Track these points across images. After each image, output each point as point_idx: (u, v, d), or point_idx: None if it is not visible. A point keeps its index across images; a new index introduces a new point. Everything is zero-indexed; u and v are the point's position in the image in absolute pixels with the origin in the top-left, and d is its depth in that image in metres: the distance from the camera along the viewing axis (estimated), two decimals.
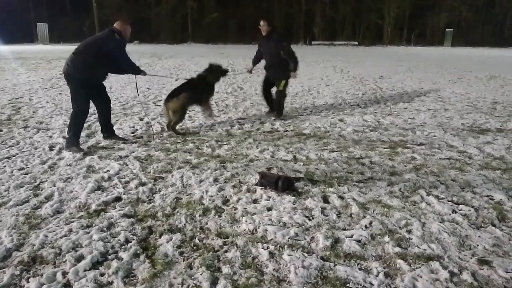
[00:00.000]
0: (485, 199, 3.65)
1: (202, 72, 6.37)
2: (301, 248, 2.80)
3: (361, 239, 2.93)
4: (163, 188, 3.89)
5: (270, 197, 3.66)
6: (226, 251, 2.77)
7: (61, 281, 2.43)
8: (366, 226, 3.13)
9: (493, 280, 2.47)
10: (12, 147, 5.14)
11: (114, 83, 10.87)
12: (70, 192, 3.77)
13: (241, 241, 2.90)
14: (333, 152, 5.09)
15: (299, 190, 3.80)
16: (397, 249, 2.80)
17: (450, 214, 3.33)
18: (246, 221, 3.18)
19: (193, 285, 2.41)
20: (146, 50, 31.28)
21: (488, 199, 3.67)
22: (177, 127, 6.05)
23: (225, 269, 2.56)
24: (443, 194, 3.75)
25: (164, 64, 17.96)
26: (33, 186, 3.88)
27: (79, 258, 2.66)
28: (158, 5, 54.84)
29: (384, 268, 2.59)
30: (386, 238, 2.93)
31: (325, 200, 3.61)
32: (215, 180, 4.08)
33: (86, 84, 5.05)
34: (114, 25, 5.13)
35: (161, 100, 8.82)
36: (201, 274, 2.49)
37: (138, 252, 2.75)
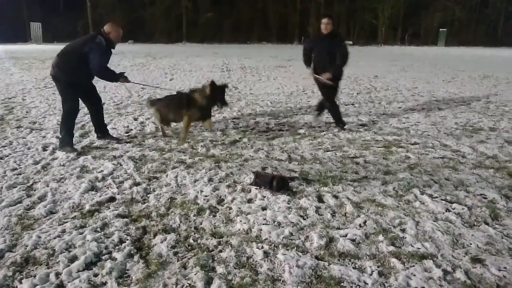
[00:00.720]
0: (478, 198, 3.68)
1: (192, 88, 5.78)
2: (295, 248, 2.80)
3: (355, 238, 2.94)
4: (158, 188, 3.88)
5: (264, 196, 3.66)
6: (220, 251, 2.77)
7: (55, 282, 2.42)
8: (360, 225, 3.14)
9: (486, 278, 2.48)
10: (5, 148, 5.10)
11: (109, 83, 10.80)
12: (64, 192, 3.75)
13: (236, 240, 2.89)
14: (327, 151, 5.10)
15: (293, 190, 3.81)
16: (391, 248, 2.81)
17: (443, 213, 3.35)
18: (240, 221, 3.18)
19: (187, 285, 2.40)
20: (140, 49, 31.17)
21: (481, 197, 3.70)
22: (167, 129, 5.87)
23: (220, 269, 2.56)
24: (437, 193, 3.77)
25: (159, 64, 17.90)
26: (26, 187, 3.86)
27: (73, 259, 2.64)
28: (152, 4, 54.63)
29: (378, 267, 2.60)
30: (380, 237, 2.94)
31: (320, 199, 3.62)
32: (210, 180, 4.07)
33: (73, 85, 5.00)
34: (104, 27, 5.01)
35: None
36: (195, 274, 2.49)
37: (132, 252, 2.74)
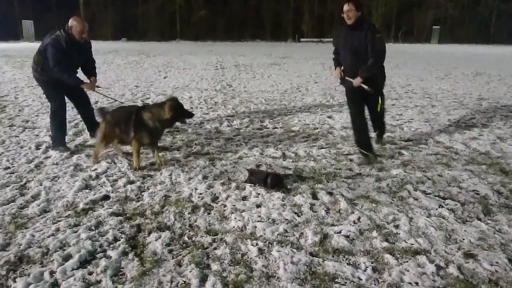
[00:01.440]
0: (471, 194, 3.71)
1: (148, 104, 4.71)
2: (290, 244, 2.81)
3: (350, 235, 2.95)
4: (152, 186, 3.87)
5: (259, 194, 3.67)
6: (215, 248, 2.77)
7: (49, 281, 2.41)
8: (354, 222, 3.16)
9: (479, 273, 2.51)
10: None
11: (102, 81, 10.75)
12: (57, 191, 3.73)
13: (230, 238, 2.90)
14: (322, 148, 5.12)
15: (288, 187, 3.82)
16: (385, 244, 2.83)
17: (436, 209, 3.38)
18: (235, 218, 3.18)
19: (182, 282, 2.41)
20: (134, 47, 31.02)
21: (474, 193, 3.73)
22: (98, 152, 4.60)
23: (215, 266, 2.56)
24: (430, 189, 3.80)
25: (153, 62, 17.82)
26: (19, 186, 3.83)
27: (67, 257, 2.63)
28: (145, 2, 54.33)
29: (372, 263, 2.62)
30: (374, 233, 2.96)
31: (314, 196, 3.63)
32: (204, 177, 4.07)
33: (50, 83, 4.81)
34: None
35: (149, 98, 8.77)
36: (190, 272, 2.49)
37: (126, 250, 2.74)
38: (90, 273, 2.49)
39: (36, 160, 4.57)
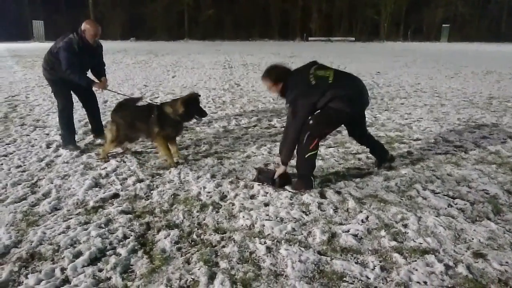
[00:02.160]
0: (480, 193, 3.68)
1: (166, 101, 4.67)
2: (298, 243, 2.82)
3: (358, 234, 2.95)
4: (161, 184, 3.90)
5: (267, 192, 3.68)
6: (223, 246, 2.79)
7: (60, 277, 2.45)
8: (362, 221, 3.15)
9: (488, 273, 2.49)
10: (9, 145, 5.13)
11: (111, 80, 10.83)
12: (68, 189, 3.77)
13: (239, 236, 2.91)
14: (330, 147, 5.11)
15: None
16: (393, 243, 2.82)
17: (445, 208, 3.36)
18: (243, 217, 3.20)
19: (191, 280, 2.43)
20: (142, 47, 31.19)
21: (484, 193, 3.70)
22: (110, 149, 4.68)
23: (223, 264, 2.58)
24: (439, 188, 3.78)
25: (161, 61, 17.91)
26: (30, 184, 3.89)
27: (77, 254, 2.67)
28: (154, 1, 54.60)
29: (380, 261, 2.61)
30: (382, 232, 2.96)
31: (322, 195, 3.63)
32: (213, 176, 4.09)
33: (59, 82, 4.90)
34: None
35: (158, 97, 8.82)
36: (198, 269, 2.51)
37: (136, 248, 2.77)
38: (100, 270, 2.52)
39: (47, 158, 4.63)
